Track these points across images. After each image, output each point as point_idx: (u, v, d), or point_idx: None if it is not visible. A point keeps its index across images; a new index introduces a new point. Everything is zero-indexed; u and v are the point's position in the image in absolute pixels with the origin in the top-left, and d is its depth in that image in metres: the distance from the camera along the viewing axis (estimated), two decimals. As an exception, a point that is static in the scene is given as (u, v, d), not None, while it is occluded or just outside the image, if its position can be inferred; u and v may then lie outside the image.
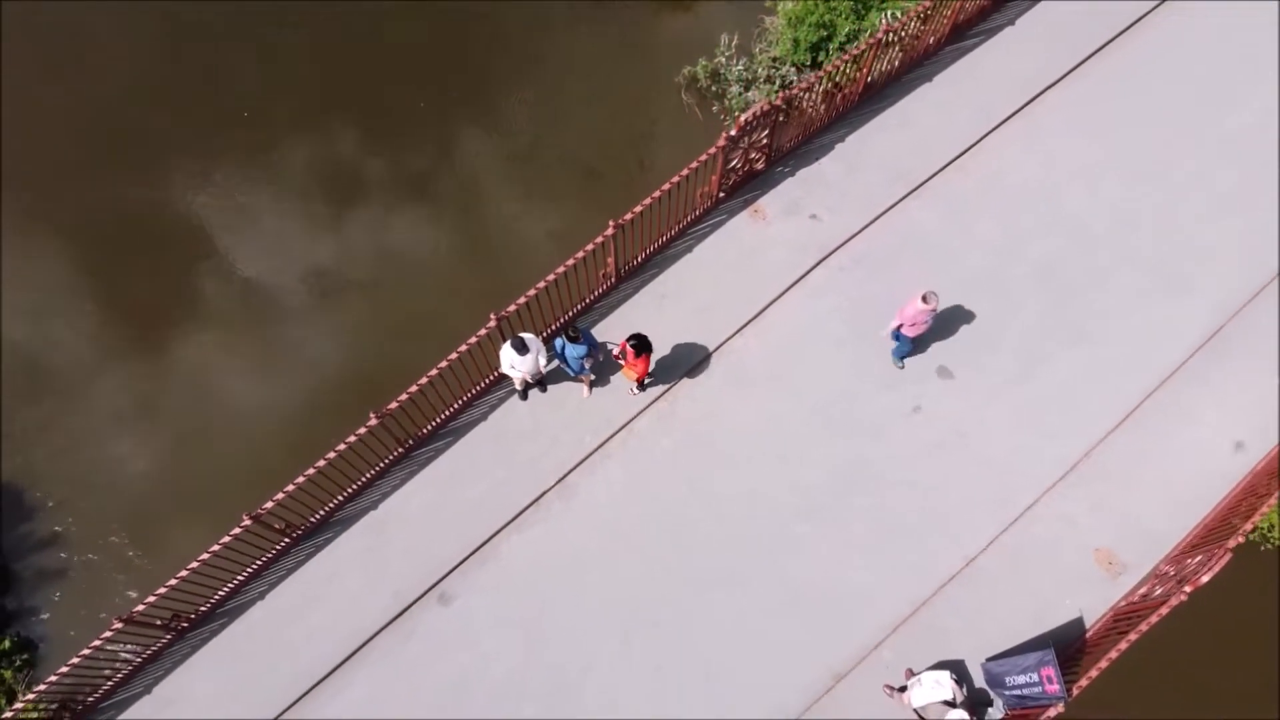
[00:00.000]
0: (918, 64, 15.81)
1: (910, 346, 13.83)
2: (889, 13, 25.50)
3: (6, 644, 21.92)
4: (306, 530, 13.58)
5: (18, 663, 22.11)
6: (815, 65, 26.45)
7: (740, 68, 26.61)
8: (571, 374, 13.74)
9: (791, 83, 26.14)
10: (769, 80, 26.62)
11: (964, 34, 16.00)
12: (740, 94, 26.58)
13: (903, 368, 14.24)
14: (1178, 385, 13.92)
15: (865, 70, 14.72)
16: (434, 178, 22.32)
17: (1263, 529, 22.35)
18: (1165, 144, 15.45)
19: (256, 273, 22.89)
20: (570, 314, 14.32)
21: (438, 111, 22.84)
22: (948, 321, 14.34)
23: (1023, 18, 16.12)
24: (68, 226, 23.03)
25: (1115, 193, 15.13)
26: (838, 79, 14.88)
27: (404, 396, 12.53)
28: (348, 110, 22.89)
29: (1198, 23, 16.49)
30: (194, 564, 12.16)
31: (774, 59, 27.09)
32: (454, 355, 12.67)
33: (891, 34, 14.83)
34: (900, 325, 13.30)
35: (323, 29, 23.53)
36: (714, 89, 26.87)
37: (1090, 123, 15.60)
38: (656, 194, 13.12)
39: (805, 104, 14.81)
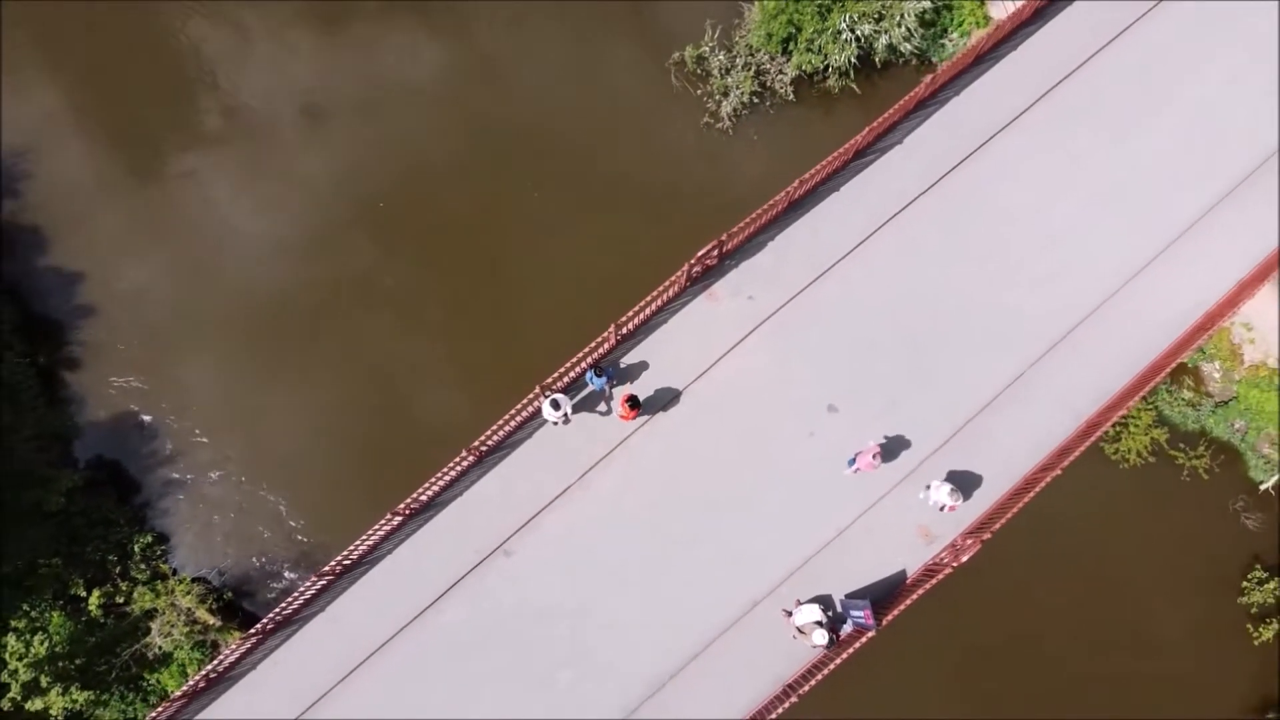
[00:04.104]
0: (829, 179, 23.51)
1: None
2: (847, 15, 32.80)
3: (149, 538, 31.51)
4: (417, 509, 22.50)
5: (159, 552, 31.80)
6: (785, 54, 33.77)
7: (721, 57, 34.03)
8: (597, 391, 22.31)
9: (765, 69, 33.57)
10: (746, 67, 34.07)
11: (865, 152, 23.66)
12: (721, 78, 34.15)
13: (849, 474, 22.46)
14: (985, 416, 22.62)
15: (787, 197, 22.52)
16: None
17: (1123, 452, 31.91)
18: (999, 237, 23.51)
19: (253, 96, 32.49)
20: (589, 363, 22.76)
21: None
22: (840, 372, 22.84)
23: (909, 137, 23.78)
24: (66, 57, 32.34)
25: (959, 275, 23.28)
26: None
27: (485, 435, 21.28)
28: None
29: (1027, 145, 24.22)
30: (355, 544, 21.29)
31: (750, 47, 34.39)
32: (513, 410, 21.35)
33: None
34: (855, 461, 21.73)
35: None
36: (699, 71, 34.40)
37: (947, 219, 23.57)
38: (643, 303, 21.46)
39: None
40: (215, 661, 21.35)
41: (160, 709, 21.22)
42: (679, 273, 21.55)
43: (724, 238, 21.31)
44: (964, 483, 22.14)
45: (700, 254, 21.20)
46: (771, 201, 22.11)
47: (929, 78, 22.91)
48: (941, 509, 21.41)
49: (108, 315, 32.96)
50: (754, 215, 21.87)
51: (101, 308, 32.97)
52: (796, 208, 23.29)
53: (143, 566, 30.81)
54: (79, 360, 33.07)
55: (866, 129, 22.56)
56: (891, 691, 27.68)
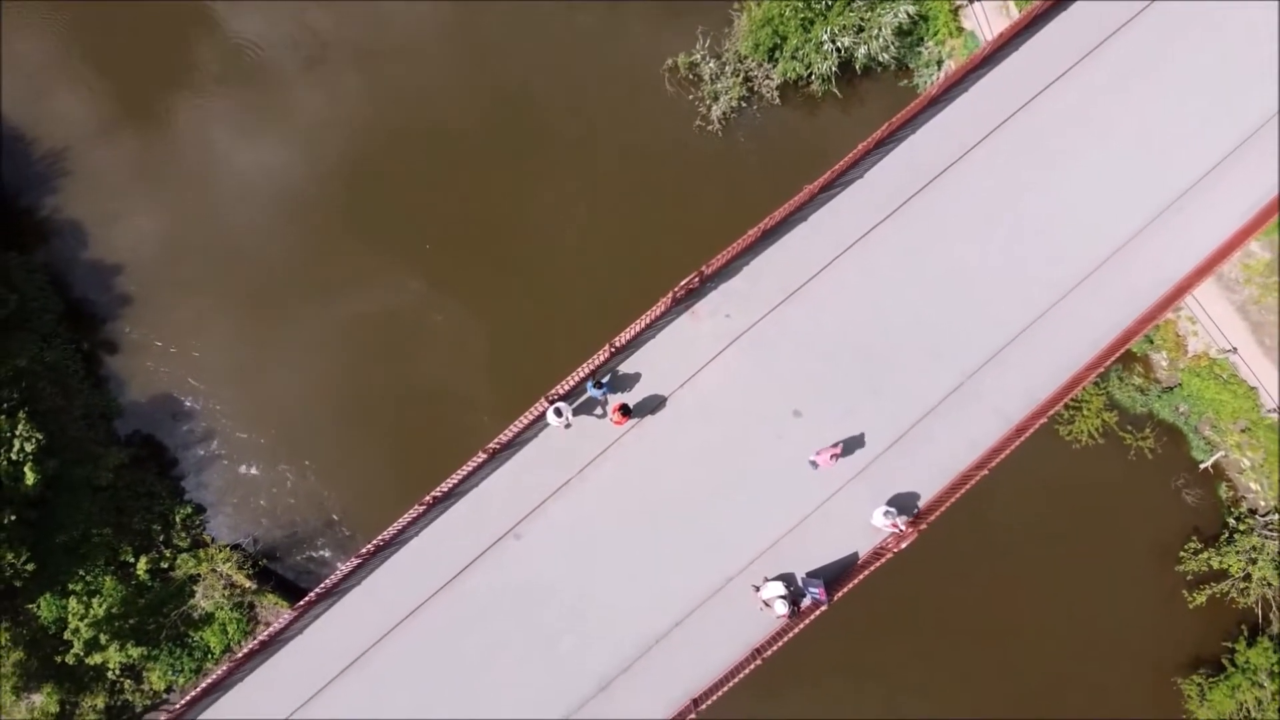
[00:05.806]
0: (799, 209, 27.67)
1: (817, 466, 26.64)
2: (829, 28, 36.63)
3: (189, 509, 36.11)
4: (438, 499, 27.05)
5: (198, 522, 36.41)
6: (772, 62, 37.66)
7: (711, 64, 37.94)
8: (595, 398, 26.63)
9: (753, 76, 37.47)
10: (735, 74, 38.01)
11: (831, 185, 27.76)
12: (711, 84, 38.13)
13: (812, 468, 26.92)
14: (929, 421, 27.09)
15: (760, 228, 26.75)
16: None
17: (1076, 433, 36.38)
18: (950, 263, 27.69)
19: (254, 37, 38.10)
20: (589, 372, 27.07)
21: None
22: (804, 382, 27.18)
23: (870, 172, 27.83)
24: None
25: (910, 295, 27.50)
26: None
27: (500, 438, 25.84)
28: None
29: (975, 177, 28.23)
30: (388, 529, 25.96)
31: (739, 55, 38.29)
32: (523, 418, 25.90)
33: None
34: (817, 459, 26.10)
35: None
36: (691, 77, 38.35)
37: (902, 246, 27.68)
38: (638, 321, 25.87)
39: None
40: (270, 629, 26.14)
41: (224, 669, 26.01)
42: (665, 296, 25.93)
43: (704, 267, 25.64)
44: (905, 494, 26.75)
45: (684, 282, 25.53)
46: (748, 233, 26.37)
47: (886, 124, 26.96)
48: (897, 528, 25.69)
49: (145, 301, 37.48)
50: (732, 245, 26.11)
51: (139, 295, 37.41)
52: (769, 236, 27.45)
53: (184, 535, 35.47)
54: (118, 344, 37.51)
55: (830, 171, 26.69)
56: (851, 668, 33.03)
